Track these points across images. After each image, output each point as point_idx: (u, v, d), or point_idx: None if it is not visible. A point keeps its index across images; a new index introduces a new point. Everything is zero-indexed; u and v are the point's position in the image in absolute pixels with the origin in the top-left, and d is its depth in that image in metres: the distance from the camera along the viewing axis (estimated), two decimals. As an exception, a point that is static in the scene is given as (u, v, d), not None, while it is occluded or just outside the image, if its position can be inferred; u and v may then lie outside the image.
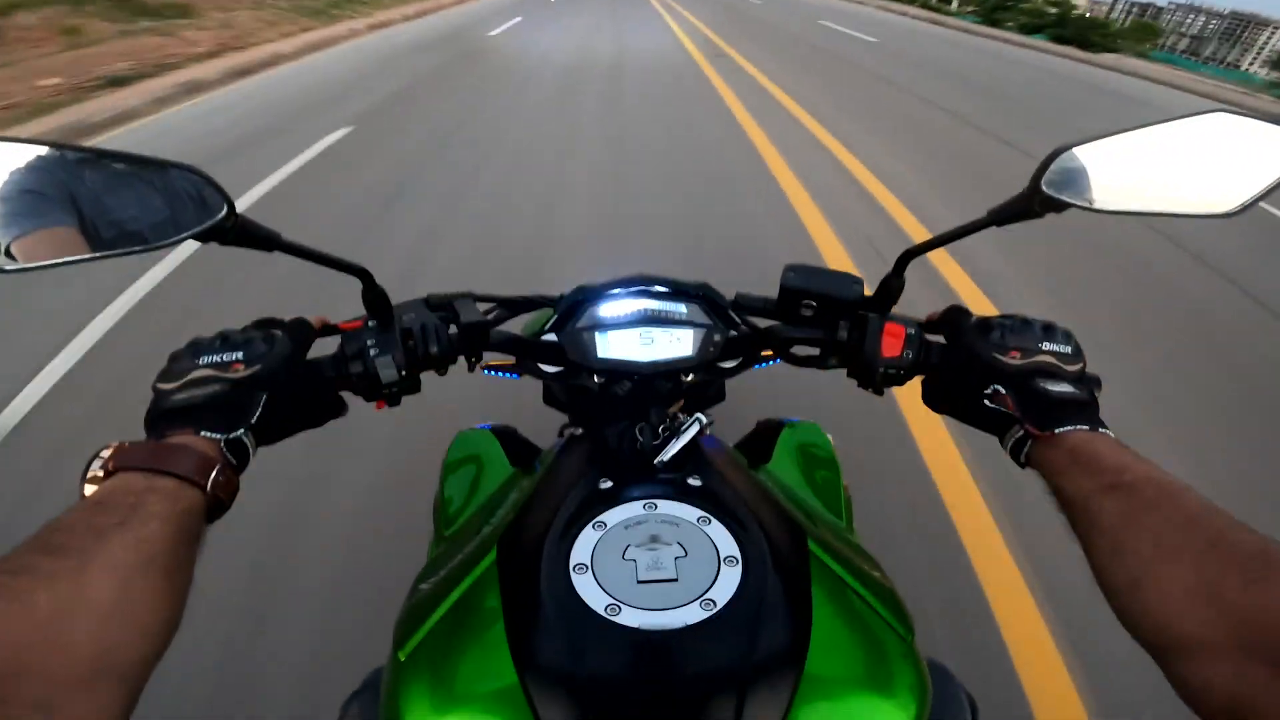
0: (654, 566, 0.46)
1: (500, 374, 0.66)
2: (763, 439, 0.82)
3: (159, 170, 0.46)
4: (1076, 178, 0.52)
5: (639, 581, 0.45)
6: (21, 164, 0.43)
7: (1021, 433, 0.50)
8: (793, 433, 0.82)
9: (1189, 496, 0.40)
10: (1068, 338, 0.54)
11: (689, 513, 0.50)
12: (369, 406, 0.58)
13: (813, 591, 0.48)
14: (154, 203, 0.46)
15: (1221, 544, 0.36)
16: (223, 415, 0.46)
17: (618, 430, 0.59)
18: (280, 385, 0.50)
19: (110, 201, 0.46)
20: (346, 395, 0.57)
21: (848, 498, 0.76)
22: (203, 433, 0.44)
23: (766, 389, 1.40)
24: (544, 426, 0.89)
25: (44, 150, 0.43)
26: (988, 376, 0.52)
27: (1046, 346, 0.53)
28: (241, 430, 0.47)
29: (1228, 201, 0.52)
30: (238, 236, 0.47)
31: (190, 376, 0.47)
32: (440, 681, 0.45)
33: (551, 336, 0.62)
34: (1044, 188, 0.50)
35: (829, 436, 0.84)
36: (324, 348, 0.57)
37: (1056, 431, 0.48)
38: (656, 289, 0.62)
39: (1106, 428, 0.49)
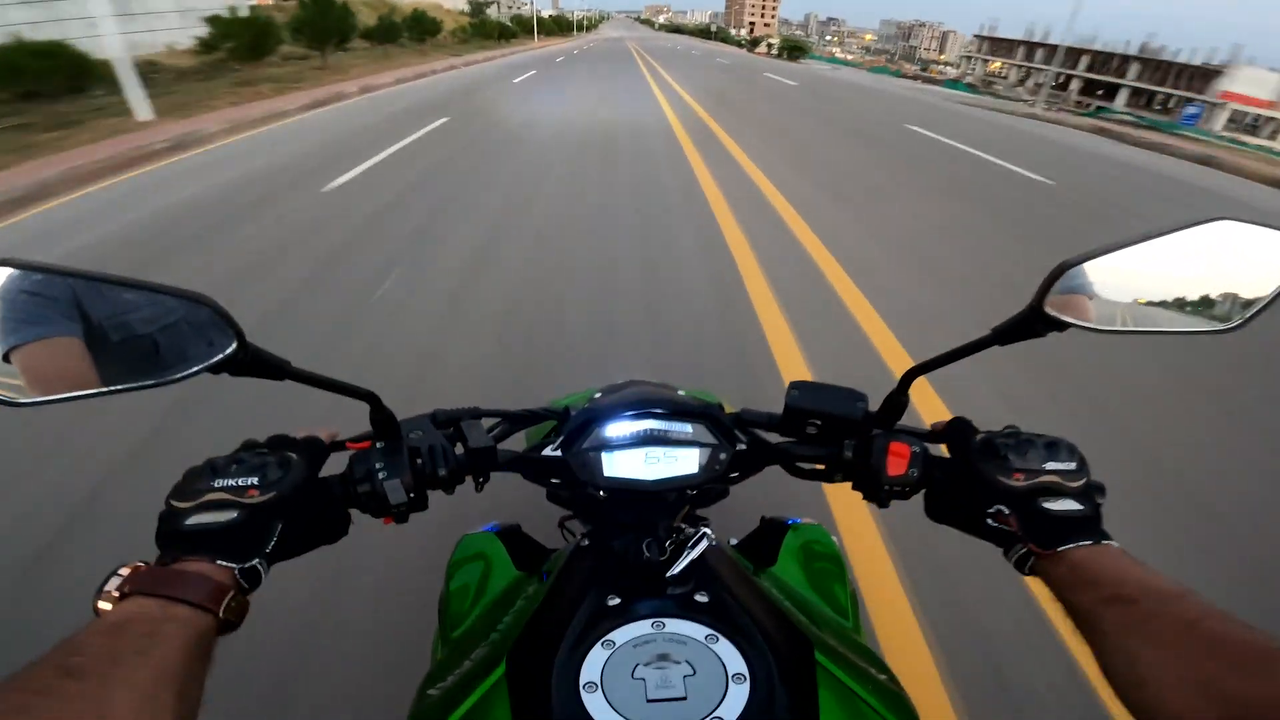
0: (663, 685, 0.46)
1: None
2: (766, 538, 0.83)
3: (166, 298, 0.45)
4: (1079, 295, 0.51)
5: (648, 700, 0.45)
6: (27, 281, 0.42)
7: (1024, 550, 0.51)
8: (797, 535, 0.83)
9: (1189, 601, 0.41)
10: (1072, 453, 0.54)
11: (697, 631, 0.50)
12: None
13: (820, 704, 0.48)
14: (162, 331, 0.46)
15: (1220, 643, 0.38)
16: (238, 544, 0.47)
17: (624, 544, 0.59)
18: (294, 511, 0.50)
19: (117, 328, 0.45)
20: (354, 512, 0.58)
21: (853, 596, 0.76)
22: (218, 561, 0.45)
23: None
24: (547, 515, 0.92)
25: (52, 277, 0.43)
26: (991, 497, 0.53)
27: (1050, 466, 0.53)
28: (256, 560, 0.47)
29: (1231, 313, 0.51)
30: (249, 366, 0.48)
31: (205, 499, 0.48)
32: None
33: (556, 452, 0.62)
34: (1046, 309, 0.50)
35: (834, 538, 0.85)
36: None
37: (1059, 550, 0.49)
38: (660, 410, 0.62)
39: (1110, 538, 0.49)
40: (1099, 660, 0.43)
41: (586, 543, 0.64)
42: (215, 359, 0.46)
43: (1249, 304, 0.50)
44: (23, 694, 0.33)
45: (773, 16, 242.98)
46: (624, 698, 0.45)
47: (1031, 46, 71.72)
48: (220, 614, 0.43)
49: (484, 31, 36.48)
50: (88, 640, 0.37)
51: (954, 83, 40.73)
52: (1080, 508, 0.51)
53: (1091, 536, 0.49)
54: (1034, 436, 0.55)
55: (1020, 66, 72.82)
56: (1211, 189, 8.09)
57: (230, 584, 0.45)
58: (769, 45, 56.69)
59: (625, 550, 0.58)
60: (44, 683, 0.34)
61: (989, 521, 0.53)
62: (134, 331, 0.45)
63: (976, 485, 0.54)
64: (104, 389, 0.45)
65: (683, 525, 0.61)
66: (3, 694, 0.32)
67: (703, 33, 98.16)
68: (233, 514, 0.47)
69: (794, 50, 47.98)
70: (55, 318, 0.43)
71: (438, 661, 0.67)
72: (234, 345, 0.46)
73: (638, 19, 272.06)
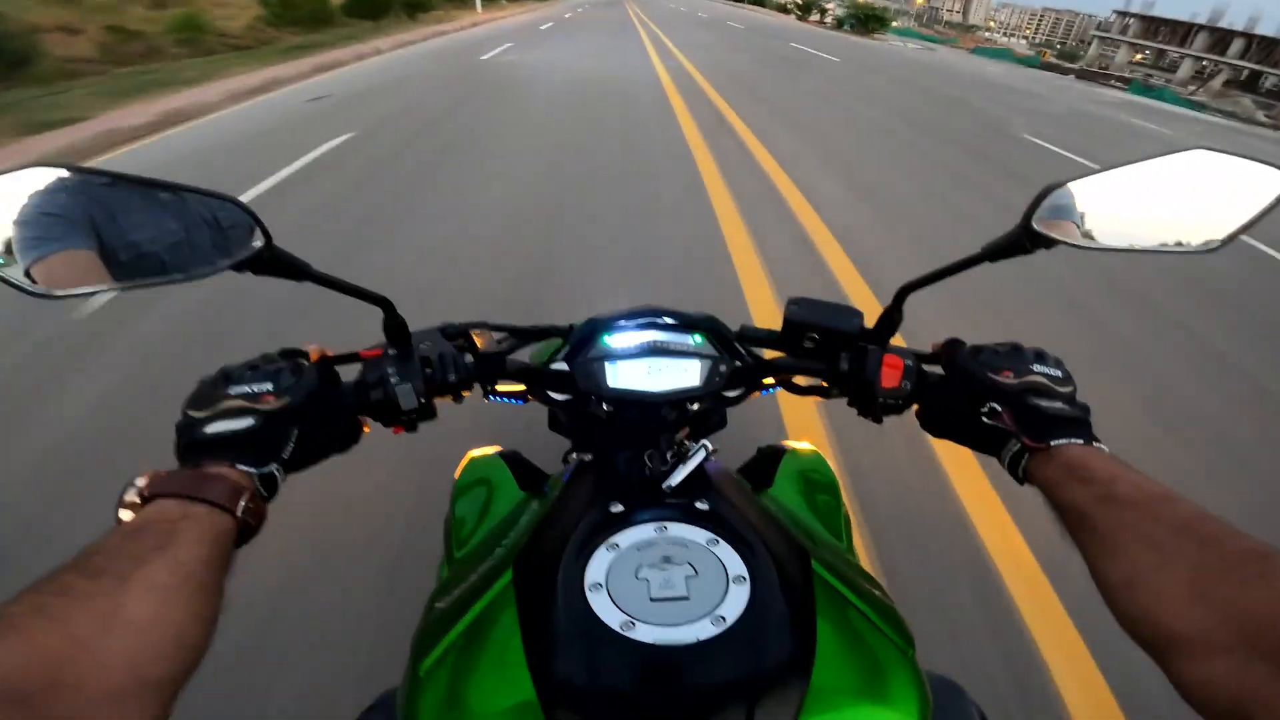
0: (666, 585, 0.48)
1: (509, 400, 0.68)
2: (764, 464, 0.85)
3: (192, 198, 0.47)
4: (1066, 215, 0.55)
5: (652, 599, 0.47)
6: (43, 187, 0.43)
7: (1019, 446, 0.52)
8: (793, 458, 0.84)
9: (1182, 503, 0.42)
10: (1058, 364, 0.57)
11: (698, 535, 0.52)
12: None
13: (817, 608, 0.50)
14: (181, 230, 0.47)
15: (1214, 545, 0.38)
16: (256, 449, 0.48)
17: (627, 456, 0.61)
18: (309, 417, 0.51)
19: (136, 228, 0.46)
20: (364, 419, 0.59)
21: (847, 520, 0.78)
22: (237, 466, 0.46)
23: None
24: (548, 452, 0.92)
25: (69, 174, 0.44)
26: (985, 396, 0.55)
27: (1038, 369, 0.56)
28: (274, 465, 0.48)
29: (1211, 236, 0.54)
30: (272, 266, 0.49)
31: (222, 406, 0.49)
32: (458, 695, 0.47)
33: (563, 366, 0.63)
34: (1034, 225, 0.53)
35: (828, 462, 0.86)
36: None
37: (1052, 444, 0.50)
38: (664, 320, 0.64)
39: (1100, 442, 0.51)
40: (1088, 560, 0.44)
41: (589, 458, 0.66)
42: (242, 255, 0.47)
43: (1226, 226, 0.53)
44: (41, 595, 0.33)
45: None
46: (628, 596, 0.47)
47: (1216, 33, 54.69)
48: (239, 514, 0.43)
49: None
50: (107, 543, 0.38)
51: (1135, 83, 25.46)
52: (1069, 409, 0.53)
53: (1083, 436, 0.50)
54: (1020, 345, 0.58)
55: (1196, 58, 58.45)
56: None
57: (248, 485, 0.45)
58: (821, 12, 40.14)
59: (627, 462, 0.60)
60: (63, 584, 0.34)
61: (984, 419, 0.54)
62: (159, 233, 0.47)
63: (970, 387, 0.56)
64: (129, 283, 0.46)
65: (684, 440, 0.63)
66: (23, 596, 0.33)
67: None
68: (249, 420, 0.48)
69: (870, 20, 29.72)
70: (73, 234, 0.44)
71: (444, 579, 0.68)
72: (261, 243, 0.47)
73: None
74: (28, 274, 0.43)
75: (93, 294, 0.46)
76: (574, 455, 0.77)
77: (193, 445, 0.47)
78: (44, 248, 0.44)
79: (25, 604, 0.32)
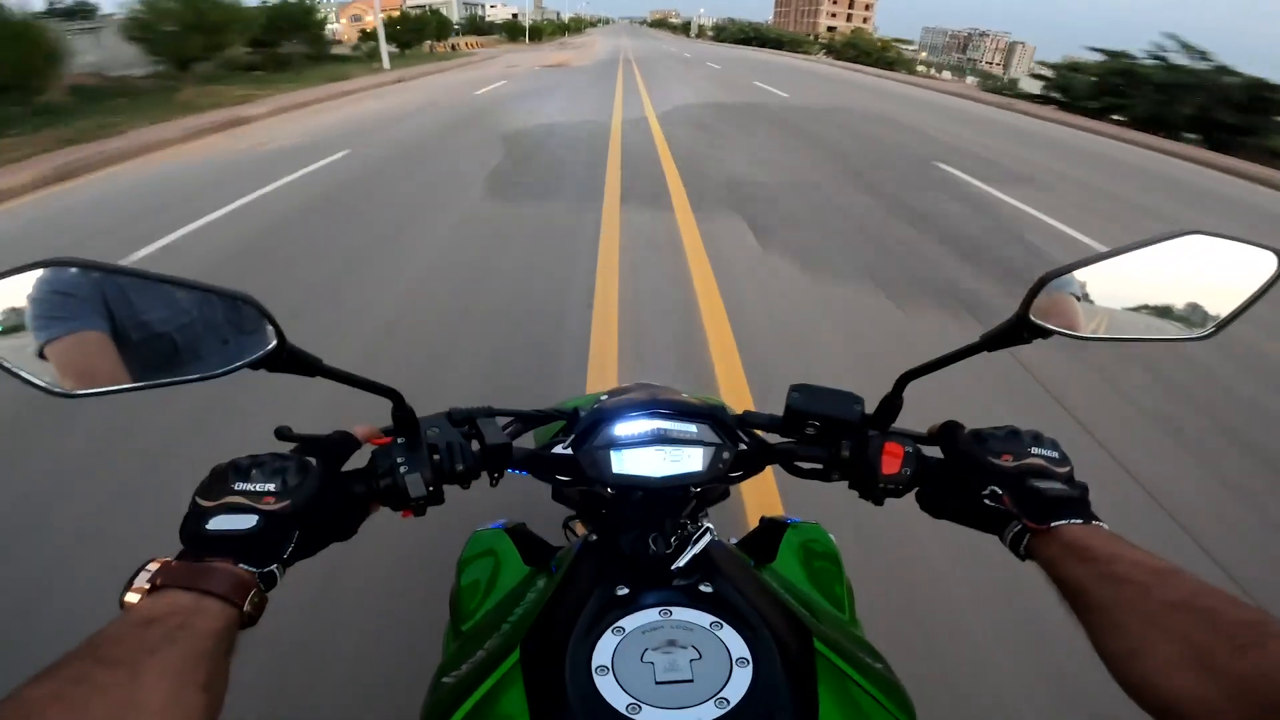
0: (671, 668, 0.48)
1: (514, 471, 0.69)
2: (766, 537, 0.86)
3: (205, 296, 0.48)
4: (1061, 304, 0.55)
5: (657, 683, 0.48)
6: (57, 278, 0.44)
7: (1019, 527, 0.53)
8: (796, 533, 0.85)
9: (1180, 578, 0.43)
10: (1054, 445, 0.58)
11: (702, 618, 0.53)
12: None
13: (819, 686, 0.50)
14: (194, 313, 0.48)
15: (1212, 617, 0.39)
16: (257, 551, 0.49)
17: (631, 538, 0.61)
18: (310, 517, 0.53)
19: (148, 310, 0.47)
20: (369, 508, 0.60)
21: (850, 591, 0.79)
22: (240, 565, 0.47)
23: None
24: (551, 515, 0.87)
25: (77, 270, 0.44)
26: (985, 479, 0.56)
27: (1035, 451, 0.56)
28: (274, 565, 0.49)
29: (1205, 321, 0.55)
30: (285, 363, 0.50)
31: (226, 500, 0.50)
32: None
33: (566, 450, 0.64)
34: (1031, 317, 0.53)
35: (830, 535, 0.87)
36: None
37: (1052, 525, 0.51)
38: (668, 410, 0.65)
39: (1100, 520, 0.52)
40: (1091, 636, 0.45)
41: (595, 538, 0.67)
42: (256, 355, 0.48)
43: (1220, 311, 0.54)
44: (58, 682, 0.34)
45: (866, 10, 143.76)
46: (634, 680, 0.47)
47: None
48: (245, 608, 0.45)
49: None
50: (120, 631, 0.39)
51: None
52: (1068, 489, 0.53)
53: (1082, 516, 0.51)
54: (1018, 429, 0.59)
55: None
56: None
57: (251, 582, 0.47)
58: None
59: (632, 544, 0.61)
60: (79, 672, 0.35)
61: (985, 501, 0.55)
62: (173, 328, 0.47)
63: (969, 471, 0.57)
64: (144, 383, 0.47)
65: (687, 522, 0.64)
66: (39, 682, 0.34)
67: (746, 38, 60.51)
68: (251, 520, 0.49)
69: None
70: (84, 313, 0.45)
71: (451, 652, 0.69)
72: (274, 343, 0.48)
73: (644, 24, 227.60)
74: (41, 354, 0.44)
75: (104, 394, 0.47)
76: (575, 523, 0.78)
77: (196, 537, 0.48)
78: (55, 328, 0.44)
79: (45, 690, 0.34)
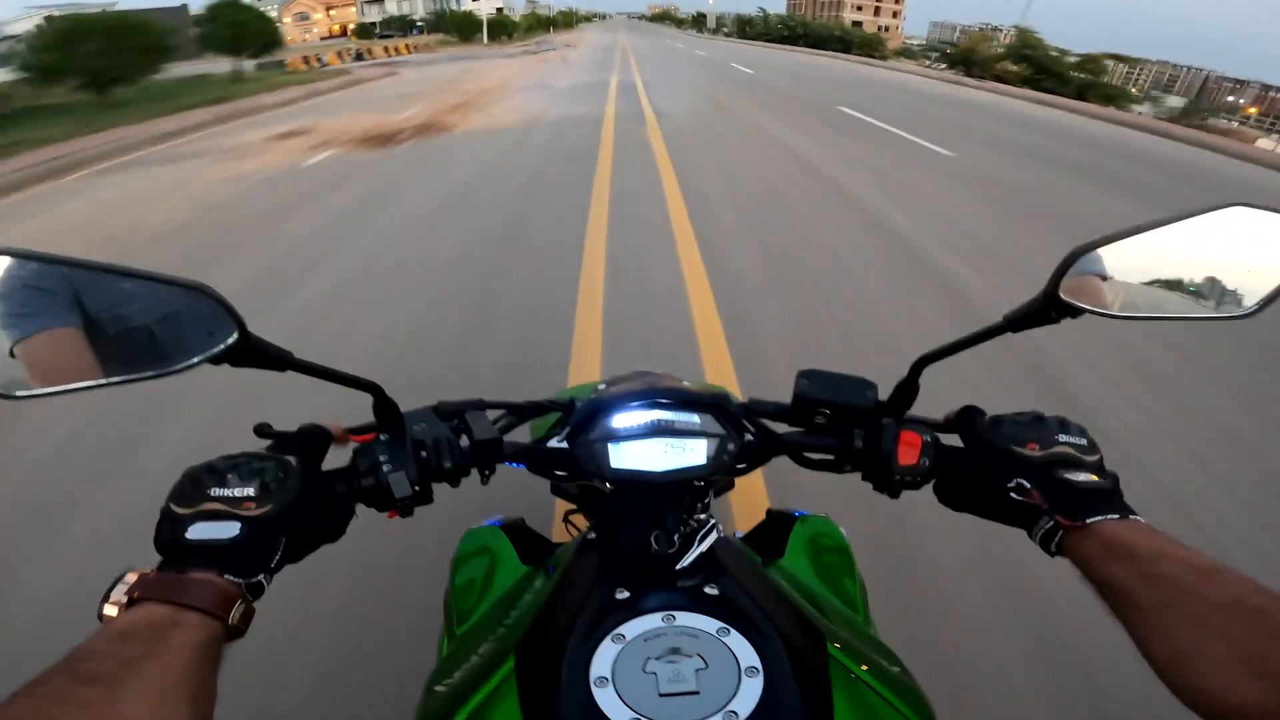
0: (675, 679, 0.46)
1: (509, 464, 0.66)
2: (773, 531, 0.83)
3: (165, 288, 0.45)
4: (1092, 281, 0.51)
5: (661, 695, 0.45)
6: (25, 272, 0.42)
7: (1051, 524, 0.50)
8: (804, 526, 0.82)
9: (1228, 576, 0.40)
10: (1082, 431, 0.54)
11: (708, 624, 0.50)
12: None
13: (834, 695, 0.48)
14: (160, 322, 0.46)
15: (1264, 617, 0.37)
16: (243, 561, 0.46)
17: (632, 536, 0.59)
18: (294, 521, 0.50)
19: (114, 320, 0.45)
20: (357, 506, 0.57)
21: (863, 588, 0.76)
22: (225, 576, 0.45)
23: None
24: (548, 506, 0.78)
25: (50, 269, 0.43)
26: (1010, 471, 0.53)
27: (1063, 439, 0.53)
28: (261, 575, 0.47)
29: (1246, 299, 0.51)
30: (250, 357, 0.47)
31: (203, 507, 0.47)
32: None
33: (562, 443, 0.62)
34: (1061, 294, 0.50)
35: (841, 529, 0.84)
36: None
37: (1088, 522, 0.48)
38: (669, 400, 0.62)
39: (1136, 514, 0.49)
40: (1135, 637, 0.43)
41: (593, 536, 0.64)
42: (216, 349, 0.45)
43: (1262, 288, 0.50)
44: (36, 700, 0.33)
45: (896, 4, 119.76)
46: (636, 692, 0.45)
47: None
48: (229, 621, 0.43)
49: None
50: (98, 646, 0.38)
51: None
52: (1101, 480, 0.50)
53: (1118, 510, 0.48)
54: (1042, 414, 0.55)
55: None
56: None
57: (236, 593, 0.45)
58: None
59: (633, 543, 0.58)
60: (57, 689, 0.34)
61: (1012, 496, 0.52)
62: (130, 323, 0.45)
63: (992, 463, 0.53)
64: (104, 380, 0.45)
65: (690, 518, 0.61)
66: (16, 700, 0.33)
67: (790, 35, 47.36)
68: (234, 528, 0.46)
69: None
70: (55, 309, 0.43)
71: (444, 657, 0.67)
72: (235, 336, 0.45)
73: (643, 18, 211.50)
74: (10, 353, 0.42)
75: (54, 394, 0.44)
76: (576, 517, 0.75)
77: (175, 547, 0.46)
78: (27, 325, 0.43)
79: (22, 709, 0.33)
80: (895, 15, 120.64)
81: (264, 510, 0.48)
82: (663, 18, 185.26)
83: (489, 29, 44.99)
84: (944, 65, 25.84)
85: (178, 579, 0.43)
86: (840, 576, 0.76)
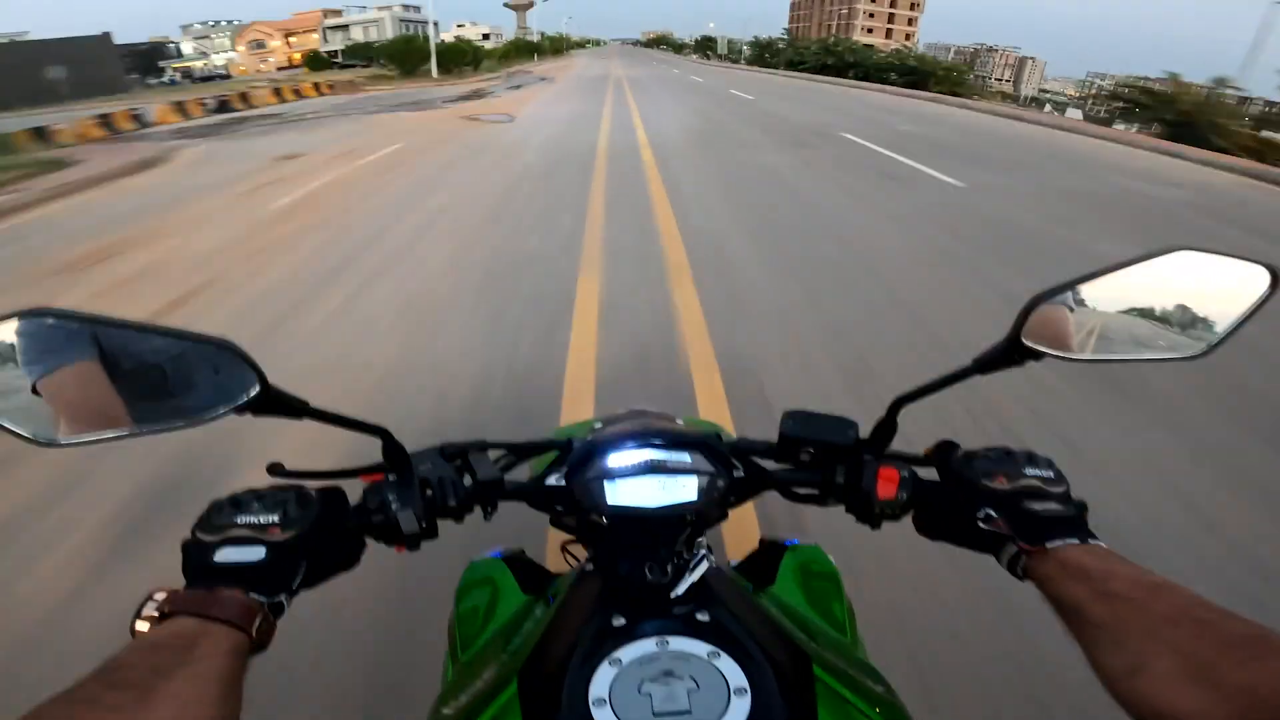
0: (668, 700, 0.48)
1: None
2: (765, 559, 0.85)
3: (187, 343, 0.48)
4: (1054, 325, 0.55)
5: (655, 714, 0.47)
6: (51, 330, 0.45)
7: (1015, 550, 0.53)
8: (794, 555, 0.84)
9: (1177, 593, 0.43)
10: (1049, 464, 0.58)
11: (699, 648, 0.52)
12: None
13: (819, 713, 0.50)
14: (185, 374, 0.50)
15: (1212, 631, 0.39)
16: (266, 581, 0.50)
17: (627, 567, 0.61)
18: (315, 547, 0.54)
19: (131, 357, 0.48)
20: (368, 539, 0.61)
21: (851, 612, 0.78)
22: (250, 594, 0.48)
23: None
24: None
25: (54, 321, 0.45)
26: (979, 501, 0.56)
27: (1029, 472, 0.57)
28: (282, 595, 0.50)
29: (1198, 340, 0.55)
30: (271, 406, 0.50)
31: (230, 533, 0.51)
32: None
33: (560, 481, 0.65)
34: (1023, 339, 0.53)
35: (830, 557, 0.86)
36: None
37: (1047, 546, 0.51)
38: (662, 440, 0.65)
39: (1096, 538, 0.52)
40: (1089, 654, 0.45)
41: (591, 567, 0.67)
42: (240, 401, 0.48)
43: (1212, 330, 0.54)
44: (69, 705, 0.35)
45: (910, 26, 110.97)
46: (631, 712, 0.47)
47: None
48: (253, 634, 0.45)
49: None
50: (130, 656, 0.40)
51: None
52: (1063, 509, 0.54)
53: (1078, 535, 0.51)
54: (1012, 449, 0.59)
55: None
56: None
57: (259, 609, 0.47)
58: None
59: (629, 573, 0.61)
60: (89, 694, 0.36)
61: (980, 524, 0.55)
62: (157, 376, 0.48)
63: (963, 494, 0.57)
64: (135, 430, 0.48)
65: (683, 549, 0.64)
66: (51, 706, 0.35)
67: (824, 65, 35.27)
68: (260, 552, 0.50)
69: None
70: (75, 345, 0.46)
71: (449, 682, 0.70)
72: (257, 388, 0.48)
73: (636, 44, 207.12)
74: (34, 390, 0.45)
75: (90, 444, 0.47)
76: (574, 547, 0.79)
77: (203, 570, 0.49)
78: (50, 360, 0.45)
79: (58, 713, 0.34)
80: (908, 38, 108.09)
81: (287, 535, 0.52)
82: (658, 42, 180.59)
83: (442, 59, 32.99)
84: (1131, 125, 17.62)
85: (205, 594, 0.46)
86: (829, 601, 0.78)
